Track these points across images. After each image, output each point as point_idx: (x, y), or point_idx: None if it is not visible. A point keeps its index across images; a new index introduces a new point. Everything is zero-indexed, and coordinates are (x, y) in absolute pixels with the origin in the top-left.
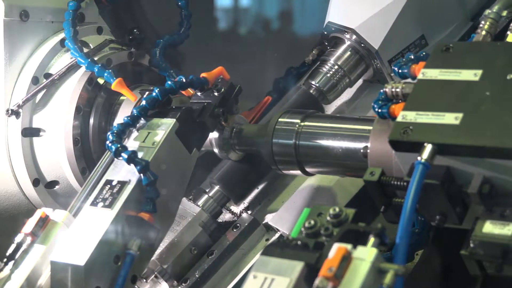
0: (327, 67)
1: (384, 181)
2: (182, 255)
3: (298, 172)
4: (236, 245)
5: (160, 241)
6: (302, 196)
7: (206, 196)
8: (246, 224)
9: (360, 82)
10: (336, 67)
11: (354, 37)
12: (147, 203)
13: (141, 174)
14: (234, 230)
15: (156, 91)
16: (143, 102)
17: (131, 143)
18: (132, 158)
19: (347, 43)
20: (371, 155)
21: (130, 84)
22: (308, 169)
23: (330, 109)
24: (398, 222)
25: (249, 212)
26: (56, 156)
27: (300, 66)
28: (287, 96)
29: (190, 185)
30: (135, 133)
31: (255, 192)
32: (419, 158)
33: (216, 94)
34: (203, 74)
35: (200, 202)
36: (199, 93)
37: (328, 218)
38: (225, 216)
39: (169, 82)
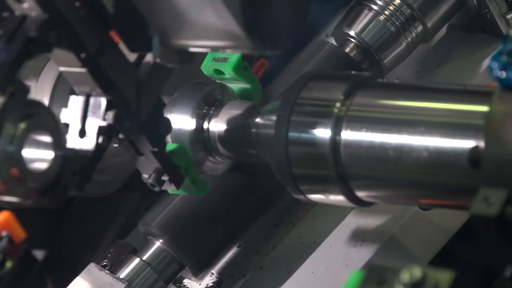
0: (378, 2)
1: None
2: None
3: (340, 198)
4: None
5: None
6: (333, 257)
7: (137, 260)
8: None
9: (443, 31)
10: (397, 1)
11: None
12: None
13: None
14: None
15: None
16: None
17: None
18: None
19: None
20: (487, 163)
21: None
22: (361, 193)
23: None
24: None
25: None
26: None
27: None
28: (299, 58)
29: (101, 238)
30: None
31: (233, 251)
32: None
33: None
34: None
35: (125, 273)
36: None
37: None
38: None
39: None
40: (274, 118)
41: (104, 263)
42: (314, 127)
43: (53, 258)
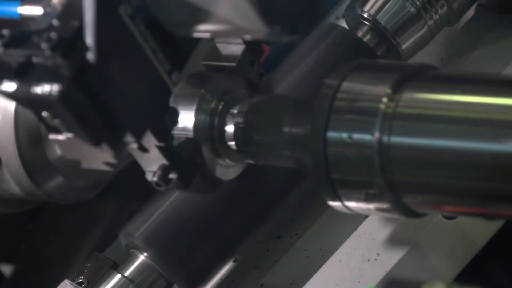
0: None
1: None
2: None
3: (386, 207)
4: None
5: None
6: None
7: (118, 276)
8: None
9: (471, 12)
10: None
11: None
12: None
13: None
14: None
15: None
16: None
17: None
18: None
19: None
20: None
21: None
22: (411, 202)
23: None
24: None
25: None
26: None
27: None
28: (305, 44)
29: (77, 251)
30: None
31: (229, 266)
32: None
33: None
34: None
35: None
36: None
37: None
38: None
39: None
40: (309, 115)
41: (80, 280)
42: (357, 126)
43: (21, 274)
